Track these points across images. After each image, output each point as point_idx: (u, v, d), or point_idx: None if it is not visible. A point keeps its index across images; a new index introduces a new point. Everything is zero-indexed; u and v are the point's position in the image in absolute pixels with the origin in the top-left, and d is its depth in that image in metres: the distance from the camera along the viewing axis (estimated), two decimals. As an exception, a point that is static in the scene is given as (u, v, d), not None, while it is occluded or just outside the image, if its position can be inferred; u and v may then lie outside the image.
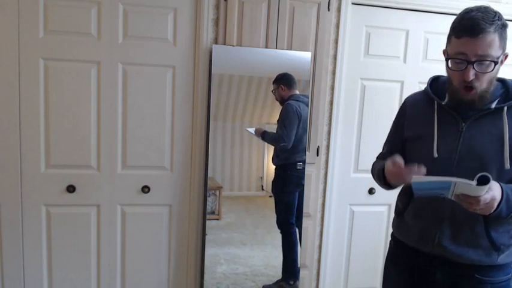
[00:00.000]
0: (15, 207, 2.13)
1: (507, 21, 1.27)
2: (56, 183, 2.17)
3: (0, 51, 2.03)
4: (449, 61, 1.28)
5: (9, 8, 2.01)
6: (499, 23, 1.21)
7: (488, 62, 1.21)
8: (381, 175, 1.42)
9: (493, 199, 1.15)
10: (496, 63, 1.22)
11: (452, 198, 1.18)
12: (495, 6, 2.52)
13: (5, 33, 2.02)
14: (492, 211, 1.17)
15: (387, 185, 1.42)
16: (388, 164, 1.32)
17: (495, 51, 1.21)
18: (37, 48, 2.06)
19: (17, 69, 2.06)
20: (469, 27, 1.20)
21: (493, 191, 1.15)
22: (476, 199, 1.13)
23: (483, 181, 1.09)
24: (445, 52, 1.35)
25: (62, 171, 2.17)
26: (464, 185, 1.12)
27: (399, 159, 1.28)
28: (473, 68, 1.21)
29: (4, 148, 2.08)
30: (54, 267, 2.22)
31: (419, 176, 1.19)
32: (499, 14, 1.23)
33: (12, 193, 2.12)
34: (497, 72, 1.27)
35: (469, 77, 1.22)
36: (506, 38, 1.25)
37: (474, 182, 1.10)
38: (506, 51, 1.27)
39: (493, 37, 1.20)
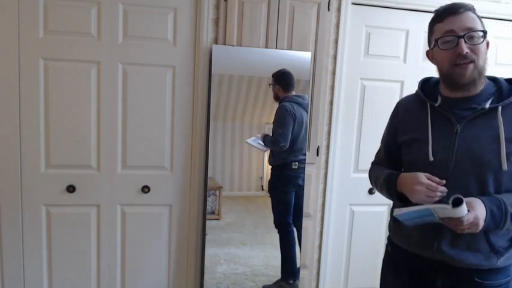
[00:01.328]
0: (15, 207, 2.13)
1: (493, 20, 1.31)
2: (56, 183, 2.17)
3: (0, 51, 2.03)
4: (439, 42, 1.27)
5: (9, 8, 2.01)
6: (474, 8, 1.27)
7: (477, 35, 1.23)
8: (392, 186, 1.36)
9: (476, 218, 1.15)
10: (485, 32, 1.24)
11: (441, 222, 1.20)
12: (495, 6, 2.53)
13: (5, 33, 2.02)
14: (480, 228, 1.17)
15: (397, 197, 1.37)
16: (421, 176, 1.25)
17: (479, 26, 1.24)
18: (37, 48, 2.06)
19: (17, 69, 2.06)
20: (449, 9, 1.26)
21: (475, 211, 1.15)
22: (459, 220, 1.13)
23: (457, 203, 1.11)
24: (429, 52, 1.35)
25: (62, 171, 2.17)
26: (443, 211, 1.14)
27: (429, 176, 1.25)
28: (465, 41, 1.22)
29: (4, 148, 2.09)
30: (54, 267, 2.22)
31: (400, 209, 1.20)
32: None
33: (12, 193, 2.12)
34: (486, 52, 1.27)
35: (463, 49, 1.22)
36: (484, 25, 1.27)
37: (449, 206, 1.12)
38: (487, 39, 1.28)
39: (474, 15, 1.25)
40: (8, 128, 2.08)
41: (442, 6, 1.30)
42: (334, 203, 2.55)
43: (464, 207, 1.12)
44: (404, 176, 1.33)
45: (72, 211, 2.21)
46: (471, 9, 1.26)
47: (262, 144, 2.28)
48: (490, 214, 1.18)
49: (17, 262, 2.17)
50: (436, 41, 1.28)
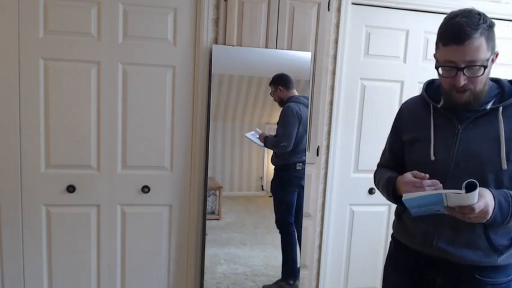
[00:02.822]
0: (15, 207, 2.13)
1: (493, 20, 1.28)
2: (56, 183, 2.17)
3: (0, 51, 2.03)
4: (440, 68, 1.28)
5: (9, 8, 2.01)
6: (484, 25, 1.20)
7: (477, 67, 1.21)
8: (390, 187, 1.39)
9: (486, 205, 1.15)
10: (485, 67, 1.22)
11: (447, 212, 1.19)
12: (495, 6, 2.52)
13: (5, 33, 2.02)
14: (488, 217, 1.17)
15: (395, 200, 1.39)
16: (407, 175, 1.28)
17: (484, 55, 1.21)
18: (37, 48, 2.06)
19: (17, 69, 2.06)
20: (454, 35, 1.20)
21: (485, 198, 1.15)
22: (470, 208, 1.12)
23: (471, 187, 1.10)
24: (435, 56, 1.35)
25: (62, 171, 2.17)
26: (455, 196, 1.12)
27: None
28: (463, 74, 1.22)
29: (4, 148, 2.09)
30: (54, 267, 2.22)
31: (409, 193, 1.19)
32: (484, 15, 1.22)
33: (12, 193, 2.12)
34: (488, 74, 1.27)
35: (460, 82, 1.22)
36: (493, 38, 1.25)
37: (463, 191, 1.11)
38: (496, 50, 1.27)
39: (480, 41, 1.19)
40: (8, 128, 2.08)
41: (451, 20, 1.23)
42: (334, 203, 2.55)
43: (477, 193, 1.10)
44: (398, 178, 1.35)
45: (72, 211, 2.21)
46: (477, 36, 1.18)
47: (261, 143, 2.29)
48: (498, 205, 1.18)
49: (17, 262, 2.17)
50: (437, 68, 1.29)
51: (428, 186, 1.22)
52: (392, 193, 1.38)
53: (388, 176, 1.43)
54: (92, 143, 2.18)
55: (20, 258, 2.18)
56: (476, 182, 1.10)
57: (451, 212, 1.17)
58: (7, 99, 2.06)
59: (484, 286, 1.31)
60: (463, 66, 1.21)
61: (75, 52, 2.10)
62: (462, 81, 1.22)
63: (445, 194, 1.13)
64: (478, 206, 1.13)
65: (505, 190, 1.23)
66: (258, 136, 2.28)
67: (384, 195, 1.48)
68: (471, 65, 1.21)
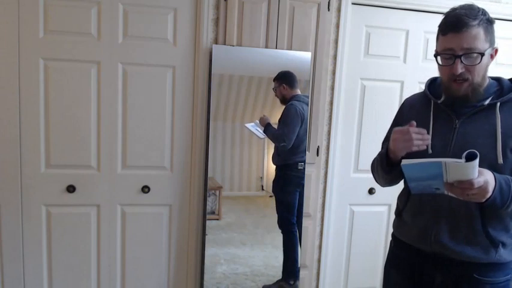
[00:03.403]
0: (15, 207, 2.13)
1: (501, 20, 1.29)
2: (56, 183, 2.17)
3: (0, 51, 2.03)
4: (439, 57, 1.31)
5: (9, 8, 2.01)
6: (483, 17, 1.24)
7: (475, 55, 1.24)
8: (384, 155, 1.40)
9: (486, 182, 1.15)
10: (482, 54, 1.24)
11: (446, 191, 1.18)
12: (495, 6, 2.53)
13: (5, 33, 2.02)
14: (487, 196, 1.17)
15: (389, 165, 1.39)
16: (395, 129, 1.32)
17: (481, 44, 1.24)
18: (37, 48, 2.06)
19: (17, 69, 2.06)
20: (453, 23, 1.25)
21: (485, 176, 1.15)
22: (470, 182, 1.12)
23: (471, 158, 1.09)
24: (436, 51, 1.37)
25: (62, 171, 2.17)
26: (455, 167, 1.12)
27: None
28: (461, 61, 1.24)
29: (4, 148, 2.09)
30: (54, 267, 2.22)
31: (408, 160, 1.19)
32: (484, 10, 1.26)
33: (12, 193, 2.12)
34: (487, 66, 1.29)
35: (457, 70, 1.25)
36: (492, 33, 1.28)
37: (463, 160, 1.10)
38: (496, 46, 1.29)
39: (478, 30, 1.23)
40: (8, 128, 2.08)
41: (451, 12, 1.28)
42: (334, 203, 2.55)
43: (477, 164, 1.09)
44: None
45: (72, 211, 2.21)
46: (475, 25, 1.22)
47: (261, 130, 2.28)
48: (499, 186, 1.19)
49: (17, 262, 2.17)
50: (436, 56, 1.32)
51: (416, 133, 1.25)
52: (386, 162, 1.38)
53: (383, 150, 1.45)
54: (92, 143, 2.18)
55: (20, 258, 2.18)
56: (477, 153, 1.10)
57: (450, 189, 1.17)
58: (7, 99, 2.06)
59: (483, 286, 1.32)
60: (460, 53, 1.24)
61: (75, 52, 2.10)
62: (459, 69, 1.24)
63: (445, 164, 1.13)
64: (478, 182, 1.13)
65: (507, 176, 1.23)
66: (257, 128, 2.27)
67: (380, 173, 1.46)
68: (468, 52, 1.23)
